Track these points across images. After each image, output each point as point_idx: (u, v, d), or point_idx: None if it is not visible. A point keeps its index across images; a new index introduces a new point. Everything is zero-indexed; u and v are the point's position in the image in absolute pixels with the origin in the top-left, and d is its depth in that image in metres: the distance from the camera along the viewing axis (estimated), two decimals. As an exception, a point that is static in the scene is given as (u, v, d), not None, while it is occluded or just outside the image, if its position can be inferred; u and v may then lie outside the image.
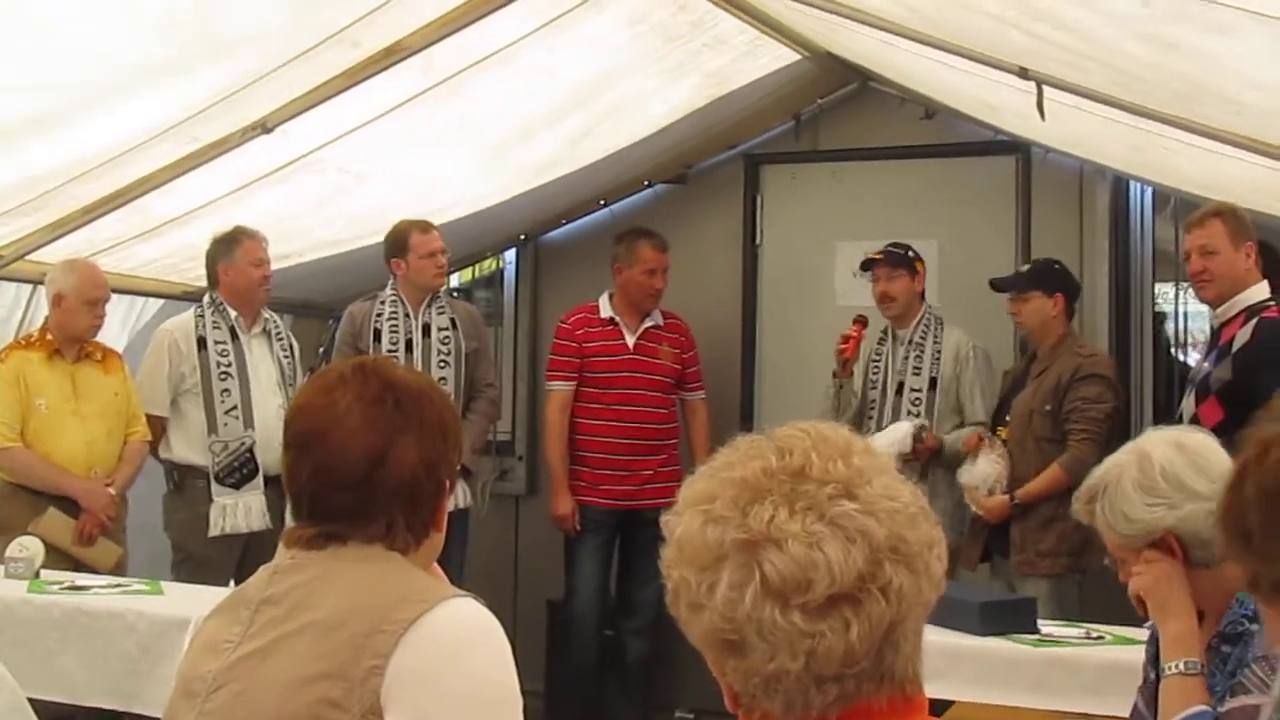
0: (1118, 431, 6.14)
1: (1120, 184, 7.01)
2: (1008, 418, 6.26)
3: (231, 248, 6.45)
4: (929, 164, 7.51)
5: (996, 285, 6.40)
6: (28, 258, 6.33)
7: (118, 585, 5.38)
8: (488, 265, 8.73)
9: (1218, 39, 3.80)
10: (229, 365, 6.41)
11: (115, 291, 6.44)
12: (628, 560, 7.34)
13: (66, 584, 5.28)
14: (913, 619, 1.58)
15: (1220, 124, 4.68)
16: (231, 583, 6.00)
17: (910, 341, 6.67)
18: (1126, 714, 3.41)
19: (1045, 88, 5.07)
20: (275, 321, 6.73)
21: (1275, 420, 1.54)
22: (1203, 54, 4.04)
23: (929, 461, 6.42)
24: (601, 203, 8.13)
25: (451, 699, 2.22)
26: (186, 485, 6.43)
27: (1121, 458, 2.96)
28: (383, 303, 6.82)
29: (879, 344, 6.80)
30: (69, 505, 5.96)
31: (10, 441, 5.93)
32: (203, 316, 6.48)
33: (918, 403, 6.59)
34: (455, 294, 8.42)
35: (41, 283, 6.24)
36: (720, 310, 7.84)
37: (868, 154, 7.64)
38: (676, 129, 7.20)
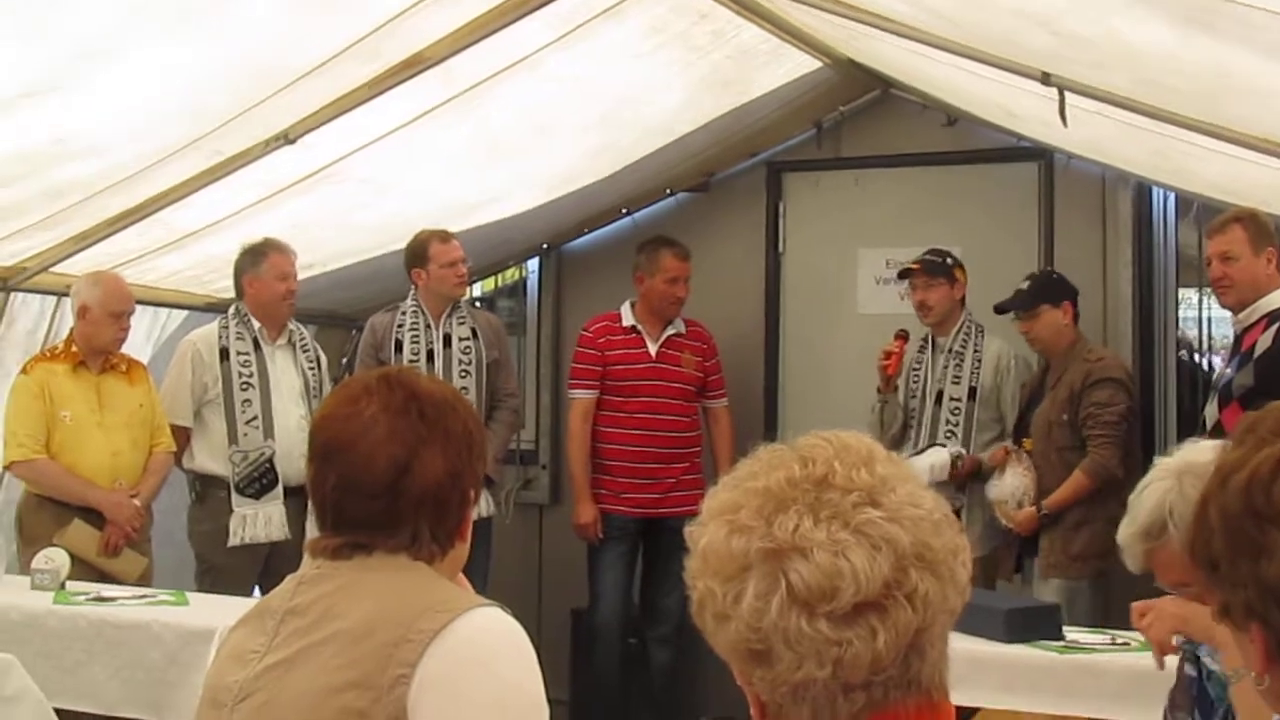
0: (1136, 432, 6.13)
1: (1143, 190, 7.00)
2: (1031, 431, 6.25)
3: (258, 260, 6.47)
4: (951, 171, 7.49)
5: (1002, 308, 6.36)
6: (52, 270, 6.36)
7: (143, 596, 5.39)
8: (510, 274, 8.75)
9: (1241, 39, 3.79)
10: (250, 376, 6.43)
11: (139, 303, 6.45)
12: (651, 568, 7.35)
13: (92, 595, 5.30)
14: (939, 626, 1.58)
15: (1242, 127, 4.67)
16: (256, 592, 6.03)
17: (950, 350, 6.64)
18: (1152, 720, 3.40)
19: (1067, 94, 5.06)
20: (301, 333, 6.74)
21: (1237, 444, 1.55)
22: (1226, 53, 4.02)
23: (966, 483, 6.40)
24: (624, 211, 8.13)
25: (478, 708, 2.22)
26: (209, 496, 6.44)
27: (1164, 484, 2.86)
28: (404, 313, 6.84)
29: (919, 352, 6.78)
30: (94, 517, 5.97)
31: (35, 453, 5.95)
32: (227, 327, 6.49)
33: (956, 412, 6.56)
34: (478, 303, 8.45)
35: (66, 295, 6.26)
36: (743, 318, 7.84)
37: (890, 161, 7.63)
38: (698, 137, 7.19)
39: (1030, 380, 6.48)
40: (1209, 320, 7.17)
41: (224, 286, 6.86)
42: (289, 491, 6.35)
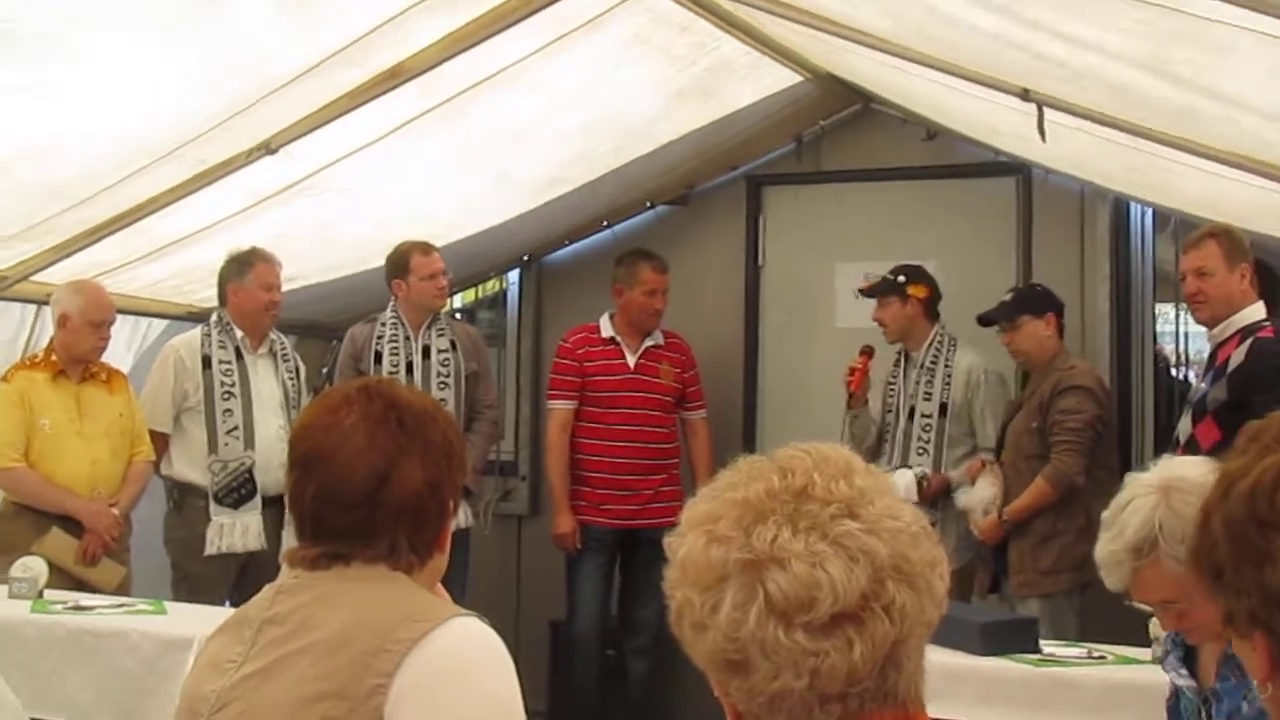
0: (1107, 444, 6.13)
1: (1121, 205, 7.02)
2: (1006, 442, 6.26)
3: (244, 270, 6.46)
4: (930, 185, 7.51)
5: (985, 319, 6.36)
6: (32, 279, 6.34)
7: (121, 605, 5.37)
8: (491, 286, 8.75)
9: (1218, 59, 3.81)
10: (232, 385, 6.42)
11: (120, 312, 6.44)
12: (629, 579, 7.35)
13: (70, 604, 5.27)
14: (916, 638, 1.58)
15: (1219, 144, 4.69)
16: (228, 602, 6.02)
17: (922, 365, 6.65)
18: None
19: (1046, 109, 5.08)
20: (282, 343, 6.73)
21: (1240, 452, 1.55)
22: (1201, 71, 4.04)
23: (939, 498, 6.40)
24: (604, 224, 8.14)
25: (455, 718, 2.22)
26: (186, 504, 6.43)
27: (1150, 499, 2.84)
28: (383, 325, 6.84)
29: (895, 366, 6.80)
30: (73, 525, 5.96)
31: (14, 461, 5.93)
32: (209, 335, 6.48)
33: (928, 429, 6.57)
34: (458, 314, 8.45)
35: (46, 304, 6.24)
36: (722, 330, 7.85)
37: (869, 175, 7.65)
38: (678, 150, 7.21)
39: (1016, 398, 6.48)
40: (1186, 335, 7.18)
41: (205, 296, 6.84)
42: (266, 501, 6.35)
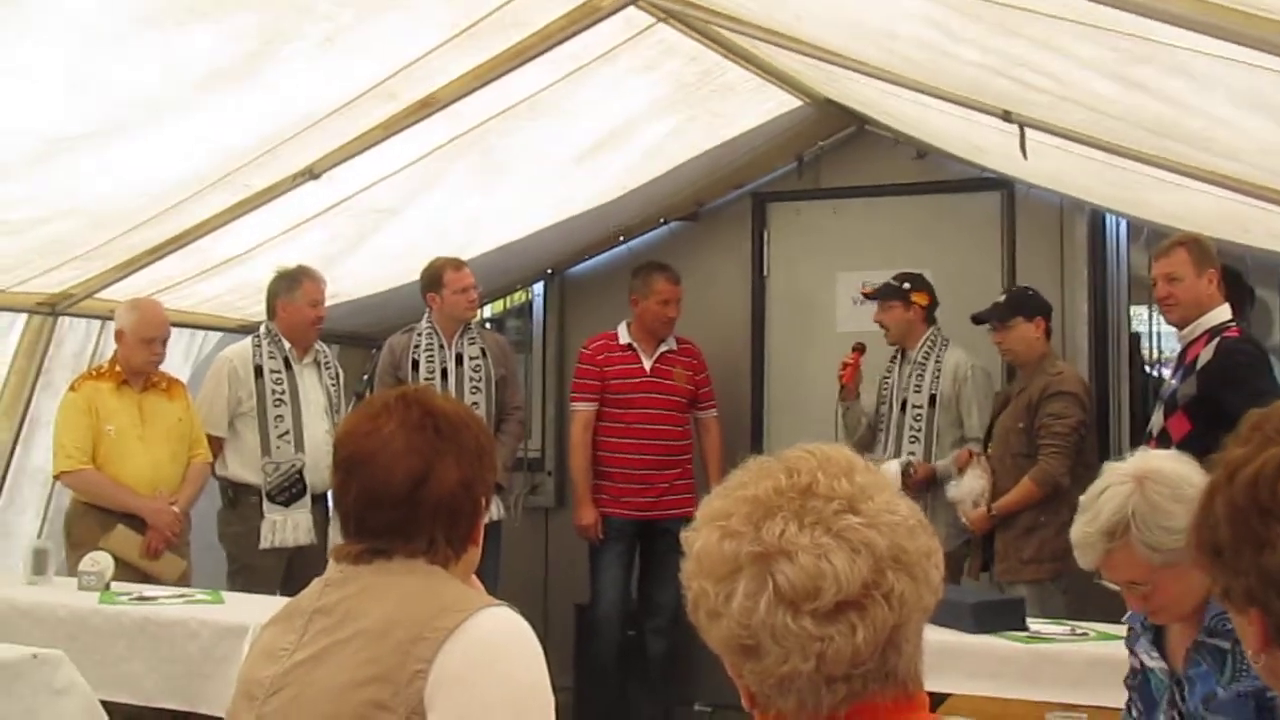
0: (1088, 444, 6.13)
1: (1097, 216, 7.01)
2: (993, 436, 6.25)
3: (293, 287, 6.47)
4: (921, 200, 7.50)
5: (979, 318, 6.35)
6: (96, 296, 6.36)
7: (182, 595, 5.38)
8: (518, 297, 8.75)
9: (1182, 80, 3.80)
10: (283, 393, 6.43)
11: (177, 326, 6.45)
12: (647, 566, 7.34)
13: (135, 595, 5.29)
14: (914, 623, 1.58)
15: (1190, 160, 4.68)
16: (279, 592, 6.04)
17: (915, 361, 6.65)
18: (1110, 704, 3.39)
19: (1027, 129, 5.08)
20: (325, 352, 6.73)
21: (1238, 444, 1.55)
22: (1169, 94, 4.03)
23: (927, 488, 6.39)
24: (621, 239, 8.15)
25: (489, 700, 2.22)
26: (240, 501, 6.44)
27: (1125, 488, 2.85)
28: (419, 335, 6.85)
29: (890, 363, 6.80)
30: (136, 522, 5.96)
31: (82, 464, 5.94)
32: (260, 346, 6.49)
33: (919, 419, 6.57)
34: (488, 324, 8.45)
35: (110, 319, 6.26)
36: (731, 336, 7.85)
37: (865, 191, 7.65)
38: (689, 170, 7.22)
39: (1004, 390, 6.47)
40: (1158, 335, 7.16)
41: (255, 311, 6.85)
42: (314, 499, 6.38)
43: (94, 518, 5.97)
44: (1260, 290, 6.25)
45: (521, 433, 7.32)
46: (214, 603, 5.27)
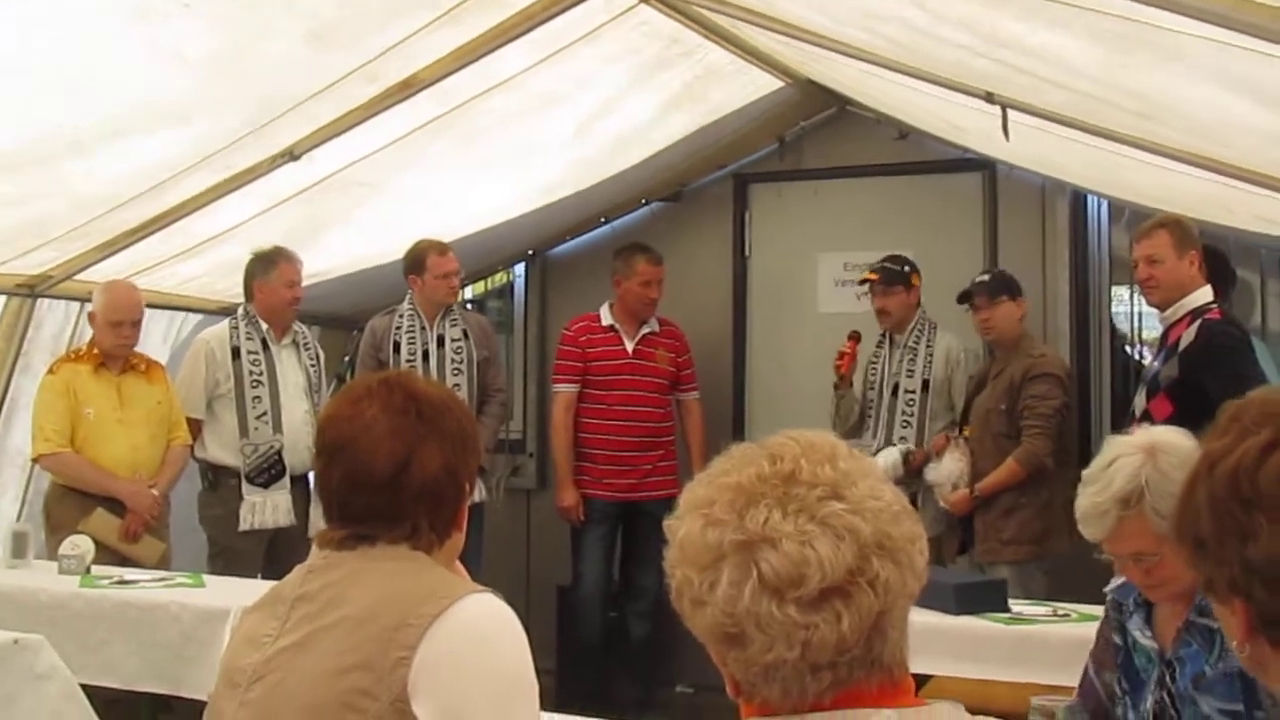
0: (1068, 426, 6.15)
1: (1079, 197, 7.01)
2: (971, 418, 6.26)
3: (269, 268, 6.46)
4: (903, 181, 7.49)
5: (966, 295, 6.35)
6: (76, 277, 6.33)
7: (162, 579, 5.37)
8: (499, 278, 8.74)
9: (1166, 61, 3.80)
10: (260, 374, 6.41)
11: (156, 308, 6.44)
12: (629, 548, 7.35)
13: (115, 578, 5.28)
14: (898, 609, 1.58)
15: (1173, 142, 4.68)
16: (260, 574, 6.03)
17: (905, 346, 6.64)
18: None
19: (1009, 111, 5.07)
20: (304, 333, 6.72)
21: (1216, 435, 1.55)
22: (1153, 76, 4.04)
23: (919, 475, 6.39)
24: (602, 220, 8.13)
25: (473, 687, 2.22)
26: (219, 483, 6.43)
27: (1136, 459, 2.86)
28: (401, 316, 6.84)
29: (878, 347, 6.78)
30: (116, 505, 5.95)
31: (60, 447, 5.92)
32: (237, 328, 6.48)
33: (911, 403, 6.56)
34: (469, 305, 8.43)
35: (88, 300, 6.23)
36: (713, 317, 7.85)
37: (846, 172, 7.64)
38: (671, 151, 7.20)
39: (977, 371, 6.48)
40: (1139, 316, 7.18)
41: (233, 292, 6.82)
42: (293, 480, 6.37)
43: (73, 501, 5.96)
44: (1242, 271, 6.26)
45: (504, 414, 7.33)
46: (195, 586, 5.25)
